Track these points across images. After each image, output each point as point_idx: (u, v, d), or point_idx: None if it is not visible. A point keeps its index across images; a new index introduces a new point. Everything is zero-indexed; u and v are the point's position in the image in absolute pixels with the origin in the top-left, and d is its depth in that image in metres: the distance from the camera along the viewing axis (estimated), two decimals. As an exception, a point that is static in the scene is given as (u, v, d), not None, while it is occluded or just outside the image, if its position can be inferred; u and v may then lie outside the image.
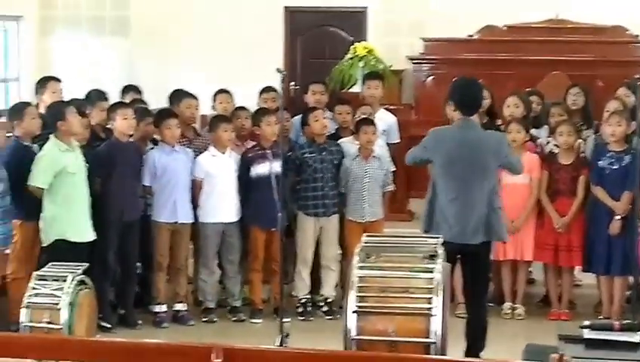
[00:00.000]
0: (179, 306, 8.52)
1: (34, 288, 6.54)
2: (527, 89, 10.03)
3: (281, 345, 6.99)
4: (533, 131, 9.03)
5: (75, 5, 14.89)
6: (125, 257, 8.29)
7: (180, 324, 8.44)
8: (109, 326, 8.08)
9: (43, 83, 8.87)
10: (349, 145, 8.75)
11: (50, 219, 7.78)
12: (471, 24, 13.63)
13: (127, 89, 9.78)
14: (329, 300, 8.66)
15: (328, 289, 8.69)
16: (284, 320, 7.20)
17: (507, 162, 7.26)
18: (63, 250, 7.54)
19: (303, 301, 8.64)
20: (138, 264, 8.56)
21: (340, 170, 8.66)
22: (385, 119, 9.36)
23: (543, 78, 12.17)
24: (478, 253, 7.11)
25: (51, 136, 7.82)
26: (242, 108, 9.12)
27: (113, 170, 8.16)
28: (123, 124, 8.25)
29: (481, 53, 13.28)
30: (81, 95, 9.02)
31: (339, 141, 8.83)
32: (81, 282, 6.68)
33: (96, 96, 8.93)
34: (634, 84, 8.06)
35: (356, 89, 11.79)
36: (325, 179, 8.61)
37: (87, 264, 6.92)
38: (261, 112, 8.75)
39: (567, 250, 8.56)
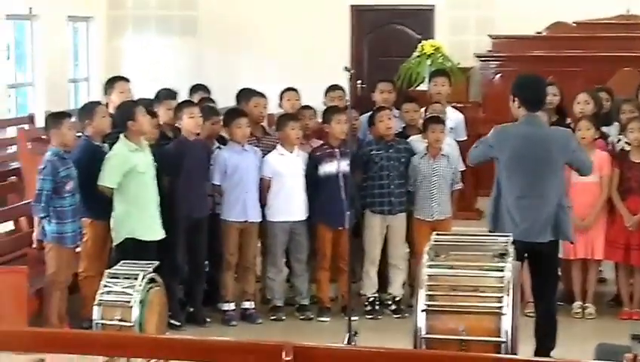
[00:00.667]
0: (247, 304, 8.55)
1: (106, 286, 6.60)
2: (597, 86, 9.92)
3: (349, 343, 6.99)
4: (603, 129, 8.91)
5: (143, 5, 15.04)
6: (194, 255, 8.34)
7: (248, 322, 8.47)
8: (178, 323, 8.13)
9: (111, 83, 8.93)
10: (417, 143, 8.71)
11: (120, 217, 7.86)
12: (539, 21, 13.53)
13: (196, 88, 9.84)
14: (397, 299, 8.64)
15: (396, 288, 8.66)
16: (352, 318, 7.19)
17: (575, 158, 7.14)
18: (133, 249, 7.62)
19: (371, 299, 8.62)
20: (206, 262, 8.60)
21: (407, 168, 8.63)
22: (452, 117, 9.32)
23: (612, 75, 12.02)
24: (546, 252, 7.03)
25: (121, 136, 7.89)
26: (307, 107, 9.14)
27: (181, 168, 8.21)
28: (190, 123, 8.30)
29: (550, 50, 13.17)
30: (150, 95, 9.08)
31: (409, 139, 8.80)
32: (152, 280, 6.72)
33: (165, 95, 8.98)
34: None
35: (424, 87, 11.73)
36: (392, 177, 8.58)
37: (157, 262, 6.97)
38: (331, 110, 8.74)
39: (638, 248, 8.44)
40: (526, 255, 6.98)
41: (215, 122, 8.62)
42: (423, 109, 9.16)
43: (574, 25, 13.52)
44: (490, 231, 7.05)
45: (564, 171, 7.18)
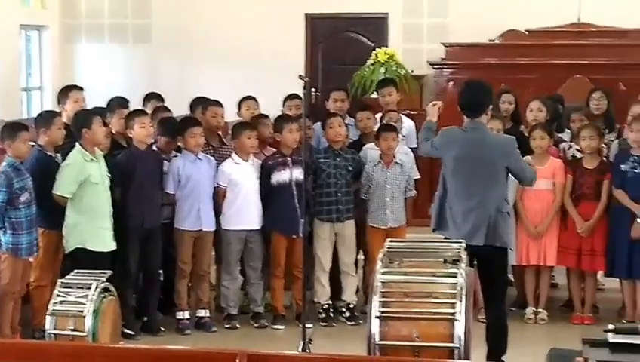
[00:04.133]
0: (202, 313, 8.54)
1: (58, 295, 6.55)
2: (549, 94, 10.00)
3: (303, 350, 7.00)
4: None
5: (97, 14, 14.97)
6: (147, 264, 8.32)
7: (202, 331, 8.45)
8: (132, 333, 8.10)
9: (65, 92, 8.88)
10: (371, 151, 8.75)
11: (71, 227, 7.82)
12: (492, 29, 13.62)
13: (150, 97, 9.81)
14: (351, 306, 8.67)
15: (349, 295, 8.69)
16: (307, 325, 7.21)
17: (515, 166, 7.11)
18: (84, 259, 7.57)
19: (325, 306, 8.64)
20: (160, 271, 8.58)
21: (356, 177, 8.67)
22: (404, 124, 9.35)
23: (564, 82, 12.14)
24: (485, 256, 7.04)
25: (77, 145, 7.85)
26: (263, 115, 9.15)
27: (132, 178, 8.19)
28: (141, 132, 8.27)
29: (503, 57, 13.25)
30: (104, 104, 9.05)
31: (364, 147, 8.84)
32: (105, 289, 6.69)
33: (118, 103, 8.95)
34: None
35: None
36: (339, 185, 8.61)
37: (111, 271, 6.94)
38: (283, 119, 8.77)
39: (590, 254, 8.54)
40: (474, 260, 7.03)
41: (170, 142, 8.56)
42: (378, 117, 9.20)
43: (527, 33, 13.62)
44: (433, 230, 7.16)
45: (506, 179, 7.22)
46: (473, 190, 7.02)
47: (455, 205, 7.08)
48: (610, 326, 5.21)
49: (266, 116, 9.09)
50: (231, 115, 9.59)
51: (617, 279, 8.69)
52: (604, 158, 8.72)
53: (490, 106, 7.34)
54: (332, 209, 8.60)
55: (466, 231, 6.97)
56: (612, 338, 5.12)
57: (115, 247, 7.93)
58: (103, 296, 6.63)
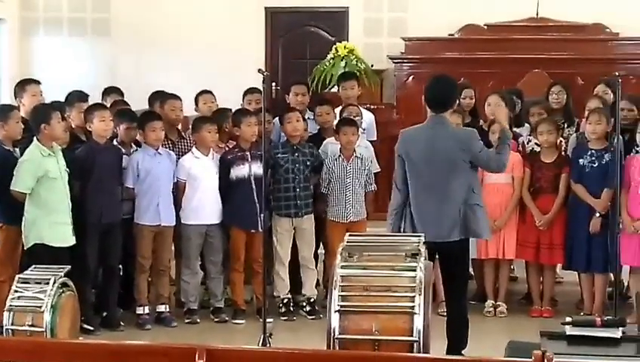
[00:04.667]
0: (161, 308, 8.52)
1: (16, 291, 6.52)
2: (508, 88, 10.05)
3: (264, 344, 7.00)
4: (514, 130, 9.04)
5: (55, 8, 14.84)
6: (107, 259, 8.28)
7: (162, 326, 8.43)
8: (91, 328, 8.06)
9: (22, 85, 8.80)
10: (331, 145, 8.76)
11: (30, 222, 7.75)
12: (451, 23, 13.65)
13: (109, 91, 9.77)
14: (311, 300, 8.68)
15: (309, 289, 8.71)
16: (267, 320, 7.21)
17: (479, 157, 7.12)
18: (43, 254, 7.53)
19: (285, 301, 8.65)
20: (120, 266, 8.55)
21: (315, 172, 8.67)
22: (364, 117, 9.36)
23: (523, 77, 12.21)
24: (455, 251, 7.10)
25: (34, 140, 7.80)
26: (224, 109, 9.13)
27: (91, 173, 8.14)
28: (101, 126, 8.22)
29: (462, 52, 13.29)
30: (62, 98, 8.98)
31: (325, 141, 8.85)
32: (64, 285, 6.66)
33: (77, 97, 8.88)
34: (613, 81, 8.13)
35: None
36: (297, 180, 8.62)
37: (69, 267, 6.91)
38: (241, 113, 8.76)
39: (548, 247, 8.60)
40: (437, 255, 7.06)
41: (130, 127, 8.54)
42: (338, 110, 9.21)
43: (486, 28, 13.67)
44: (397, 231, 7.14)
45: (475, 171, 7.25)
46: (439, 187, 7.02)
47: (422, 204, 7.07)
48: (568, 319, 5.27)
49: (230, 110, 9.07)
50: (190, 109, 9.55)
51: (575, 272, 8.76)
52: (563, 152, 8.79)
53: (457, 102, 7.37)
54: (290, 204, 8.61)
55: (437, 229, 6.97)
56: (569, 330, 5.18)
57: (75, 242, 7.88)
58: (61, 291, 6.60)
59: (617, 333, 5.12)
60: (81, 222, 7.98)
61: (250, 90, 9.42)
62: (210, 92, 9.48)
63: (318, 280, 8.94)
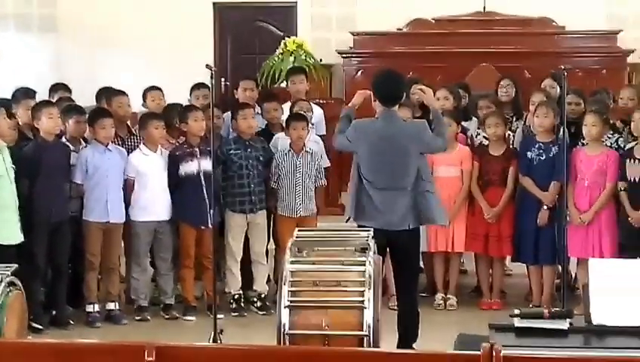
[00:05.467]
0: (111, 305, 8.47)
1: (-37, 290, 6.44)
2: (456, 82, 10.10)
3: (214, 341, 6.99)
4: (462, 123, 9.09)
5: (1, 3, 14.70)
6: (55, 257, 8.21)
7: (112, 323, 8.38)
8: (40, 327, 7.99)
9: (-34, 83, 8.72)
10: (281, 140, 8.76)
11: (-24, 221, 7.68)
12: (399, 17, 13.70)
13: (56, 87, 9.69)
14: (262, 295, 8.67)
15: (260, 284, 8.70)
16: (218, 316, 7.20)
17: (430, 148, 7.30)
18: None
19: (236, 297, 8.63)
20: (69, 264, 8.48)
21: (266, 166, 8.67)
22: (314, 113, 9.37)
23: (471, 71, 12.28)
24: (406, 242, 7.15)
25: (-21, 138, 7.72)
26: (174, 105, 9.09)
27: (39, 170, 8.06)
28: (48, 124, 8.15)
29: (410, 46, 13.34)
30: (8, 95, 8.89)
31: (275, 136, 8.84)
32: (11, 283, 6.59)
33: (24, 94, 8.81)
34: (559, 75, 8.20)
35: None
36: (251, 175, 8.61)
37: (16, 265, 6.83)
38: (187, 109, 8.73)
39: (497, 239, 8.65)
40: (388, 249, 7.09)
41: (79, 121, 8.47)
42: (288, 106, 9.21)
43: (433, 22, 13.73)
44: (347, 220, 7.22)
45: (424, 158, 7.29)
46: (392, 180, 7.09)
47: (375, 195, 7.12)
48: (517, 311, 5.30)
49: (180, 106, 9.03)
50: (139, 105, 9.50)
51: (524, 264, 8.83)
52: (511, 145, 8.85)
53: (406, 95, 7.41)
54: (245, 200, 8.59)
55: (393, 218, 7.05)
56: (518, 323, 5.22)
57: (22, 240, 7.81)
58: (8, 290, 6.51)
59: (565, 325, 5.16)
60: (29, 219, 7.92)
61: (198, 86, 9.40)
62: (158, 88, 9.44)
63: (268, 275, 8.93)
